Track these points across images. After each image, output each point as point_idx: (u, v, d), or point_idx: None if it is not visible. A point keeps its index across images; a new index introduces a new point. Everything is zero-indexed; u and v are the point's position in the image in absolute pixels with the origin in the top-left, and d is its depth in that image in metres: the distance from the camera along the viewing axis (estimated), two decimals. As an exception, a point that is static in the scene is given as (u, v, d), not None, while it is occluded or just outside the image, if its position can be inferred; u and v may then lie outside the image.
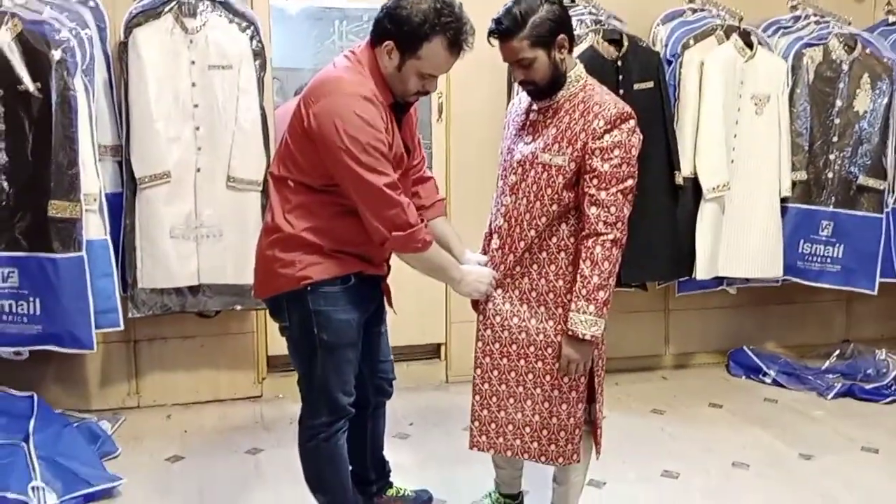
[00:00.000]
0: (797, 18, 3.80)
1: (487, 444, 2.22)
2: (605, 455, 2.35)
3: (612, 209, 2.01)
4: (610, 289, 2.04)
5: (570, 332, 2.04)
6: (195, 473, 2.88)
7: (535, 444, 2.18)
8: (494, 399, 2.19)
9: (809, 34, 3.69)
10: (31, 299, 2.86)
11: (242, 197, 3.15)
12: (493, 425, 2.20)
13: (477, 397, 2.22)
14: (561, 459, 2.18)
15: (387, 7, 1.98)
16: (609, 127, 2.01)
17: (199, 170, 3.11)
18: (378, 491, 2.54)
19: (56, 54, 2.77)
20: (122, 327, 3.06)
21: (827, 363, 3.98)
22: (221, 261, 3.13)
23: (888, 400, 3.62)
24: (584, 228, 2.03)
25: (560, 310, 2.10)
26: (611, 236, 2.01)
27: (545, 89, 2.08)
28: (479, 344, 2.20)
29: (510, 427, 2.19)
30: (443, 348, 3.80)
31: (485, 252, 2.31)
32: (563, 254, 2.10)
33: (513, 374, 2.17)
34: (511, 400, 2.18)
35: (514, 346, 2.16)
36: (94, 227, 2.92)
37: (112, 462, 2.91)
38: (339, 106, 1.93)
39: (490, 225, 2.28)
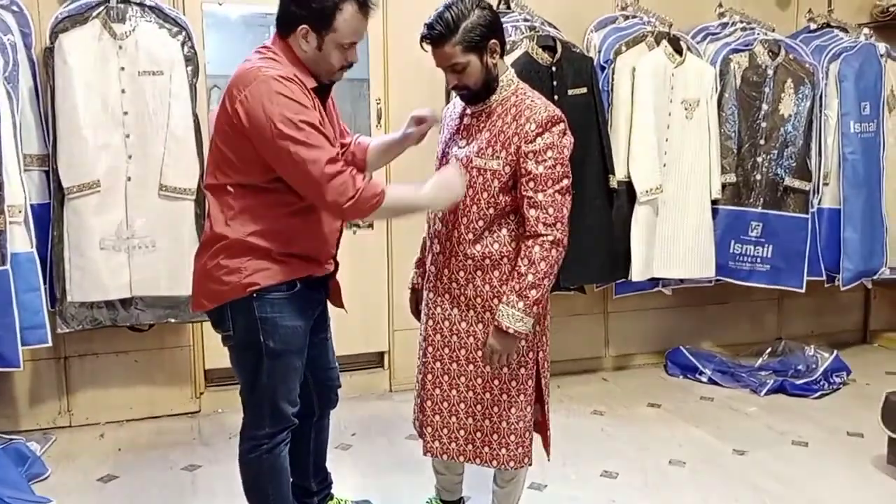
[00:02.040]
0: (724, 25, 3.92)
1: (441, 449, 2.22)
2: (546, 458, 2.38)
3: (551, 210, 2.04)
4: (543, 289, 2.06)
5: (495, 324, 2.06)
6: (129, 493, 2.80)
7: (486, 449, 2.19)
8: (446, 404, 2.20)
9: (736, 40, 3.81)
10: (-46, 317, 2.75)
11: (175, 205, 3.08)
12: (445, 430, 2.21)
13: (428, 402, 2.21)
14: (512, 463, 2.20)
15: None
16: (541, 130, 2.04)
17: (129, 178, 3.03)
18: (319, 503, 2.50)
19: (-25, 60, 2.68)
20: (50, 343, 2.95)
21: (760, 360, 4.11)
22: (154, 272, 3.05)
23: (817, 394, 3.76)
24: (525, 230, 2.06)
25: (485, 310, 2.14)
26: (550, 237, 2.04)
27: (478, 94, 2.10)
28: (430, 349, 2.20)
29: (462, 432, 2.20)
30: (386, 357, 3.78)
31: (422, 259, 2.33)
32: (505, 259, 2.11)
33: (462, 378, 2.18)
34: (462, 405, 2.19)
35: (463, 351, 2.17)
36: (20, 240, 2.82)
37: (41, 484, 2.81)
38: (262, 91, 1.89)
39: (429, 229, 2.28)
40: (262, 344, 2.05)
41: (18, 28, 2.94)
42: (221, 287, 2.03)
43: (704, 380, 3.95)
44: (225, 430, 3.27)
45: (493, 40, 2.05)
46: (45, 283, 2.92)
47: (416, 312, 2.39)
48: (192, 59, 3.08)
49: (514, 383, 2.16)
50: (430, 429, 2.22)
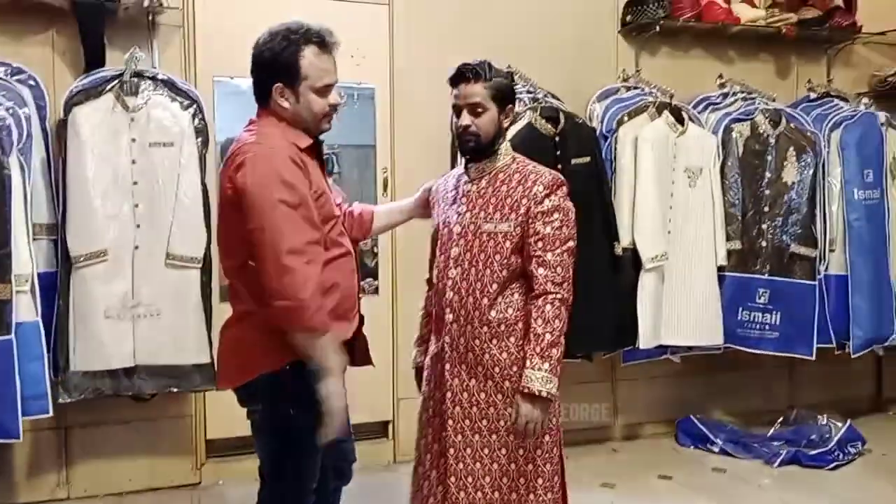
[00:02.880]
0: (725, 95, 3.99)
1: None
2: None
3: (559, 269, 2.10)
4: (562, 347, 2.08)
5: (525, 390, 2.04)
6: (126, 568, 2.73)
7: None
8: (470, 479, 2.14)
9: (737, 110, 3.87)
10: (-44, 387, 2.73)
11: (182, 274, 3.09)
12: None
13: (452, 479, 2.14)
14: None
15: (253, 64, 2.03)
16: (548, 192, 2.12)
17: (137, 247, 3.05)
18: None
19: (-9, 134, 2.73)
20: (51, 414, 2.92)
21: (772, 430, 4.03)
22: (158, 341, 3.05)
23: (831, 465, 3.66)
24: (533, 289, 2.10)
25: (510, 378, 2.12)
26: (559, 295, 2.08)
27: (483, 148, 2.15)
28: (449, 422, 2.15)
29: None
30: (390, 426, 3.72)
31: (423, 337, 2.34)
32: (520, 324, 2.12)
33: (486, 450, 2.14)
34: (487, 479, 2.14)
35: (485, 422, 2.14)
36: (25, 309, 2.82)
37: (37, 559, 2.74)
38: (261, 163, 1.89)
39: (434, 302, 2.27)
40: (292, 420, 1.97)
41: (34, 101, 3.01)
42: (252, 361, 1.98)
43: (716, 450, 3.87)
44: (226, 503, 3.20)
45: (510, 105, 2.18)
46: (48, 353, 2.91)
47: (418, 377, 2.38)
48: (202, 131, 3.14)
49: (539, 452, 2.13)
50: None
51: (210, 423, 3.43)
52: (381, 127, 3.69)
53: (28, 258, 2.83)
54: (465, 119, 2.12)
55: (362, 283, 3.92)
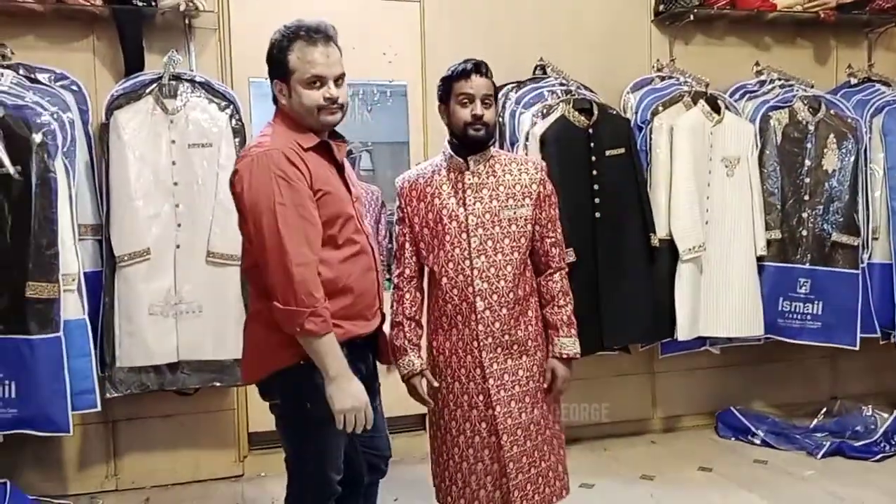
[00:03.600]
0: (762, 83, 3.93)
1: None
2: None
3: (563, 246, 2.38)
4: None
5: (564, 355, 2.31)
6: (173, 558, 2.80)
7: (558, 483, 2.32)
8: (525, 459, 2.26)
9: (775, 97, 3.80)
10: (7, 382, 2.82)
11: (222, 272, 3.15)
12: (529, 486, 2.26)
13: (511, 464, 2.24)
14: (564, 491, 2.34)
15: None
16: (546, 177, 2.34)
17: (178, 246, 3.12)
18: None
19: (37, 137, 2.82)
20: (99, 408, 3.00)
21: (815, 421, 3.97)
22: (201, 337, 3.12)
23: (878, 457, 3.59)
24: (550, 266, 2.33)
25: (539, 348, 2.31)
26: (566, 270, 2.37)
27: (489, 138, 2.26)
28: (498, 408, 2.23)
29: (539, 479, 2.28)
30: (426, 418, 3.74)
31: (416, 343, 2.33)
32: (532, 298, 2.32)
33: (532, 426, 2.27)
34: (536, 452, 2.28)
35: (528, 398, 2.27)
36: (73, 307, 2.91)
37: (88, 548, 2.84)
38: (256, 167, 1.93)
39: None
40: (309, 412, 2.01)
41: (77, 106, 3.10)
42: (269, 357, 2.02)
43: (757, 441, 3.82)
44: (268, 495, 3.27)
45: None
46: (95, 349, 3.00)
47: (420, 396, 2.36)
48: (239, 131, 3.20)
49: (551, 417, 2.34)
50: (517, 491, 2.24)
51: (252, 417, 3.50)
52: (414, 123, 3.72)
53: (74, 258, 2.91)
54: (480, 109, 2.21)
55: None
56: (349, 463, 2.16)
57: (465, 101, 2.20)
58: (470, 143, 2.24)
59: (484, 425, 2.25)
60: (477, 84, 2.20)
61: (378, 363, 2.28)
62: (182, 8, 3.18)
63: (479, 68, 2.22)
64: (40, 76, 3.10)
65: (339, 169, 2.11)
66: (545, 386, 2.32)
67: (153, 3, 3.16)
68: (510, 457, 2.23)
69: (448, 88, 2.24)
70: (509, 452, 2.23)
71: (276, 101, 2.08)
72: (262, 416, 3.46)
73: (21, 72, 3.06)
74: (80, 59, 3.26)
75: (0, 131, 2.81)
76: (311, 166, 1.99)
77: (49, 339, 2.81)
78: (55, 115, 2.92)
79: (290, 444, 2.13)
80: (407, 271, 2.35)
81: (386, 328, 2.28)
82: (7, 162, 2.80)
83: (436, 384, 2.32)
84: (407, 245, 2.34)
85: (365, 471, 2.29)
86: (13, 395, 2.82)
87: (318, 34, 2.00)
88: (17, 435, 2.91)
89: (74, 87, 3.14)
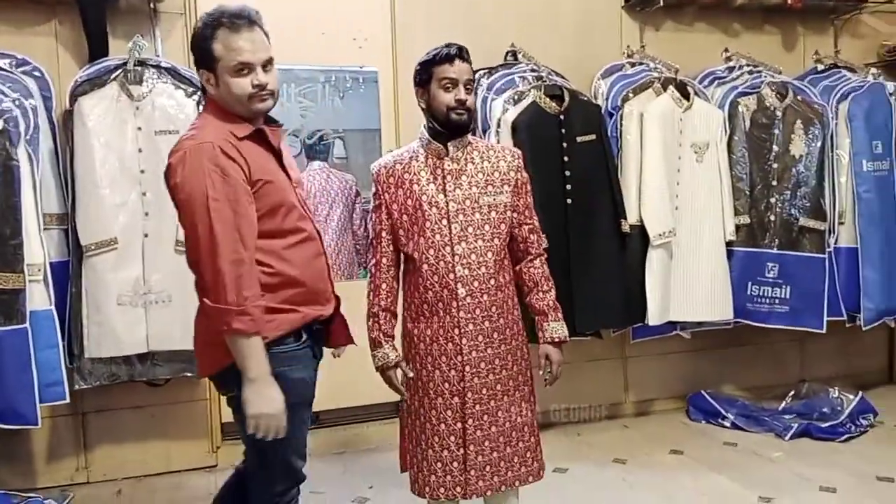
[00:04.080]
0: (731, 69, 3.96)
1: (485, 486, 2.28)
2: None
3: (540, 232, 2.37)
4: None
5: (556, 339, 2.34)
6: (145, 549, 2.78)
7: (523, 468, 2.31)
8: (487, 443, 2.26)
9: (743, 83, 3.84)
10: (-28, 375, 2.78)
11: (191, 261, 3.11)
12: (488, 468, 2.27)
13: (471, 447, 2.24)
14: (531, 477, 2.34)
15: None
16: (522, 164, 2.34)
17: (146, 235, 3.08)
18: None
19: (-2, 124, 2.76)
20: (67, 400, 2.95)
21: (783, 404, 4.03)
22: (170, 327, 3.07)
23: (843, 438, 3.67)
24: (529, 252, 2.34)
25: (515, 336, 2.30)
26: (545, 256, 2.38)
27: (468, 122, 2.24)
28: (470, 395, 2.23)
29: (502, 463, 2.28)
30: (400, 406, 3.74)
31: (390, 334, 2.33)
32: (511, 286, 2.32)
33: (500, 412, 2.27)
34: (501, 438, 2.28)
35: (499, 386, 2.27)
36: (39, 298, 2.86)
37: (58, 542, 2.80)
38: (188, 160, 1.88)
39: (433, 283, 2.25)
40: None
41: (40, 92, 3.03)
42: (222, 350, 1.92)
43: (727, 424, 3.88)
44: (241, 485, 3.25)
45: None
46: (63, 340, 2.96)
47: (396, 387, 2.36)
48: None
49: (524, 404, 2.32)
50: (473, 471, 2.25)
51: (225, 407, 3.45)
52: (386, 110, 3.70)
53: (39, 248, 2.86)
54: (463, 93, 2.19)
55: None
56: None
57: (449, 85, 2.18)
58: (453, 127, 2.22)
59: (451, 413, 2.24)
60: (460, 68, 2.19)
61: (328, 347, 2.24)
62: (147, -8, 3.13)
63: (462, 53, 2.21)
64: (1, 62, 3.02)
65: (277, 155, 2.05)
66: (525, 373, 2.33)
67: (118, -12, 3.10)
68: (472, 440, 2.24)
69: (429, 72, 2.21)
70: (472, 436, 2.24)
71: (204, 91, 2.03)
72: (234, 406, 3.48)
73: (-20, 58, 2.99)
74: (42, 44, 3.19)
75: (-41, 119, 2.75)
76: (248, 156, 1.93)
77: (15, 331, 2.76)
78: (17, 102, 2.86)
79: (250, 437, 2.02)
80: (384, 260, 2.31)
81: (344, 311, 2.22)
82: (-33, 150, 2.74)
83: (411, 374, 2.30)
84: (384, 233, 2.31)
85: (280, 477, 2.15)
86: (-23, 389, 2.77)
87: (240, 20, 1.95)
88: (-17, 429, 2.87)
89: (37, 73, 3.06)
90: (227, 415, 3.43)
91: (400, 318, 2.38)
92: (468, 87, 2.20)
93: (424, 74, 2.23)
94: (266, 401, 1.90)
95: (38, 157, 2.90)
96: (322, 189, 4.09)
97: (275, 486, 2.08)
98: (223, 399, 3.39)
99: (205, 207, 1.85)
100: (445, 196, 2.22)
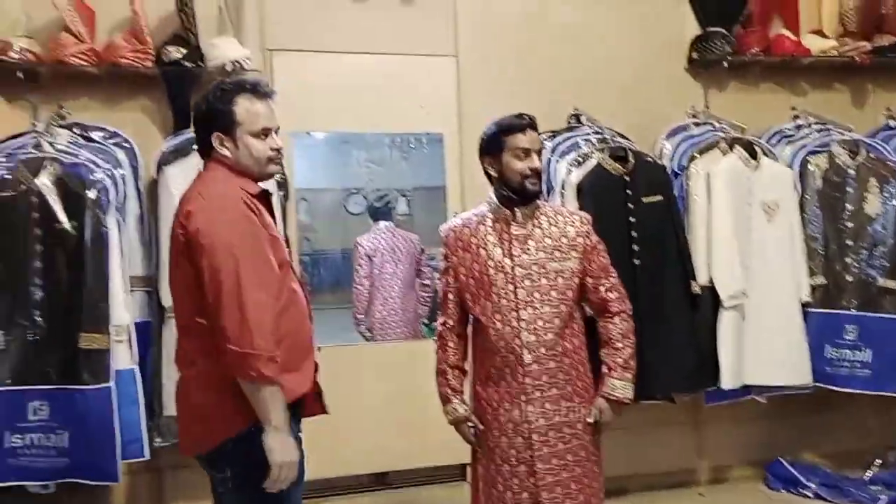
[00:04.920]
0: (799, 127, 3.91)
1: None
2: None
3: (622, 289, 2.36)
4: (635, 361, 2.33)
5: (611, 397, 2.27)
6: None
7: None
8: None
9: (813, 142, 3.79)
10: (60, 432, 2.89)
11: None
12: None
13: None
14: None
15: (193, 119, 2.10)
16: (591, 228, 2.35)
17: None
18: None
19: (91, 194, 2.94)
20: (147, 457, 3.04)
21: (869, 473, 3.83)
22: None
23: (937, 510, 3.46)
24: (606, 311, 2.32)
25: (585, 404, 2.27)
26: (629, 311, 2.34)
27: (540, 189, 2.29)
28: (539, 465, 2.20)
29: None
30: (468, 469, 3.71)
31: (458, 389, 2.35)
32: (582, 352, 2.31)
33: (573, 484, 2.23)
34: None
35: (570, 456, 2.23)
36: (123, 357, 2.98)
37: None
38: (212, 207, 1.89)
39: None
40: (265, 483, 1.87)
41: (128, 161, 3.22)
42: (219, 424, 1.89)
43: (809, 494, 3.71)
44: (310, 546, 3.26)
45: None
46: (143, 398, 3.05)
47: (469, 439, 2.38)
48: (283, 184, 3.30)
49: (593, 473, 2.29)
50: None
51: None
52: (451, 169, 3.78)
53: (124, 310, 2.99)
54: (536, 162, 2.25)
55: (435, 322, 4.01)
56: None
57: (522, 154, 2.24)
58: (528, 195, 2.27)
59: (531, 480, 2.22)
60: (532, 138, 2.26)
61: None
62: (228, 68, 3.30)
63: (534, 122, 2.28)
64: (94, 134, 3.23)
65: (273, 219, 2.09)
66: (587, 435, 2.29)
67: (200, 64, 3.30)
68: None
69: (500, 142, 2.26)
70: None
71: (205, 152, 2.05)
72: (310, 463, 3.51)
73: (76, 130, 3.21)
74: (131, 118, 3.40)
75: (57, 189, 2.94)
76: (260, 212, 1.98)
77: (101, 389, 2.89)
78: (108, 172, 3.05)
79: None
80: (450, 321, 2.36)
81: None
82: (63, 218, 2.92)
83: (481, 427, 2.33)
84: (451, 295, 2.35)
85: None
86: (66, 444, 2.89)
87: (264, 88, 2.05)
88: (67, 483, 2.96)
89: (126, 145, 3.26)
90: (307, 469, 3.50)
91: (469, 380, 2.39)
92: (539, 155, 2.25)
93: (496, 144, 2.27)
94: (290, 450, 1.88)
95: (126, 223, 3.07)
96: (388, 248, 4.19)
97: None
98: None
99: (230, 252, 1.84)
100: (512, 261, 2.24)
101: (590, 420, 2.28)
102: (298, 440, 2.00)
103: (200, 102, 2.07)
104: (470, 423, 2.34)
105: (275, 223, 2.07)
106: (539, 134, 2.29)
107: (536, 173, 2.24)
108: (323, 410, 2.19)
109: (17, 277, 2.90)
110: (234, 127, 1.99)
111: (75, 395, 2.88)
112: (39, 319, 2.91)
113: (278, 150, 2.05)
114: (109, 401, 2.89)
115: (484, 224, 2.31)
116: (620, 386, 2.28)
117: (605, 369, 2.31)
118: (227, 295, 1.82)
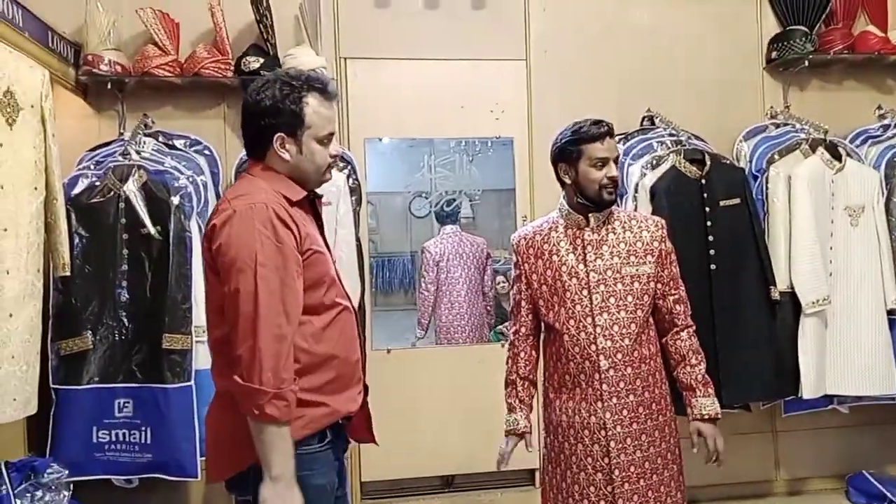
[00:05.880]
0: (886, 127, 3.76)
1: None
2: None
3: (688, 304, 2.31)
4: None
5: (706, 417, 2.25)
6: None
7: None
8: None
9: (900, 142, 3.63)
10: (143, 428, 3.01)
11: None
12: None
13: None
14: None
15: (247, 113, 1.86)
16: (666, 235, 2.31)
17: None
18: None
19: (175, 200, 3.06)
20: (224, 454, 3.14)
21: (960, 488, 3.65)
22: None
23: None
24: (675, 324, 2.28)
25: (662, 411, 2.24)
26: (694, 327, 2.31)
27: (615, 196, 2.25)
28: (617, 472, 2.18)
29: None
30: (537, 474, 3.70)
31: (526, 400, 2.34)
32: (658, 358, 2.27)
33: (650, 493, 2.20)
34: None
35: (647, 464, 2.19)
36: (203, 357, 3.05)
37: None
38: (240, 220, 1.71)
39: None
40: None
41: (209, 168, 3.33)
42: (241, 450, 1.72)
43: (894, 509, 3.56)
44: (381, 546, 3.31)
45: None
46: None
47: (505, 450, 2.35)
48: (355, 190, 3.35)
49: (673, 483, 2.24)
50: None
51: (365, 466, 3.56)
52: (521, 175, 3.77)
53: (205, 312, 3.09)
54: (614, 171, 2.22)
55: (501, 325, 3.99)
56: None
57: (599, 164, 2.21)
58: (605, 204, 2.25)
59: (609, 488, 2.20)
60: (610, 146, 2.23)
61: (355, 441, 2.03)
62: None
63: (611, 130, 2.24)
64: (177, 142, 3.36)
65: (320, 226, 1.94)
66: (674, 451, 2.27)
67: (278, 73, 3.37)
68: None
69: (578, 150, 2.22)
70: None
71: (256, 151, 1.87)
72: (375, 466, 3.57)
73: (160, 139, 3.34)
74: (212, 126, 3.51)
75: (143, 194, 3.06)
76: (300, 224, 1.79)
77: (182, 388, 2.99)
78: (191, 179, 3.16)
79: None
80: (523, 329, 2.36)
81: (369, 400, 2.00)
82: (149, 223, 3.04)
83: (531, 450, 2.33)
84: (523, 303, 2.34)
85: None
86: (148, 441, 3.00)
87: (333, 89, 1.88)
88: (149, 478, 3.08)
89: (207, 152, 3.37)
90: (367, 473, 3.56)
91: (541, 387, 2.38)
92: (616, 163, 2.22)
93: (572, 151, 2.23)
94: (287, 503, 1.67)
95: (207, 228, 3.17)
96: (455, 252, 4.20)
97: None
98: (364, 458, 3.54)
99: (251, 272, 1.67)
100: (586, 266, 2.22)
101: (695, 451, 2.28)
102: (341, 463, 1.90)
103: (263, 97, 1.81)
104: (524, 441, 2.33)
105: (322, 230, 1.93)
106: (615, 141, 2.26)
107: (614, 182, 2.22)
108: (371, 439, 2.02)
109: (106, 280, 3.04)
110: (301, 129, 1.82)
111: (158, 393, 2.99)
112: (126, 320, 3.04)
113: (336, 157, 1.91)
114: (190, 399, 2.99)
115: (556, 230, 2.30)
116: (709, 403, 2.27)
117: (685, 389, 2.28)
118: (243, 319, 1.67)
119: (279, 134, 1.82)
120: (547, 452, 2.32)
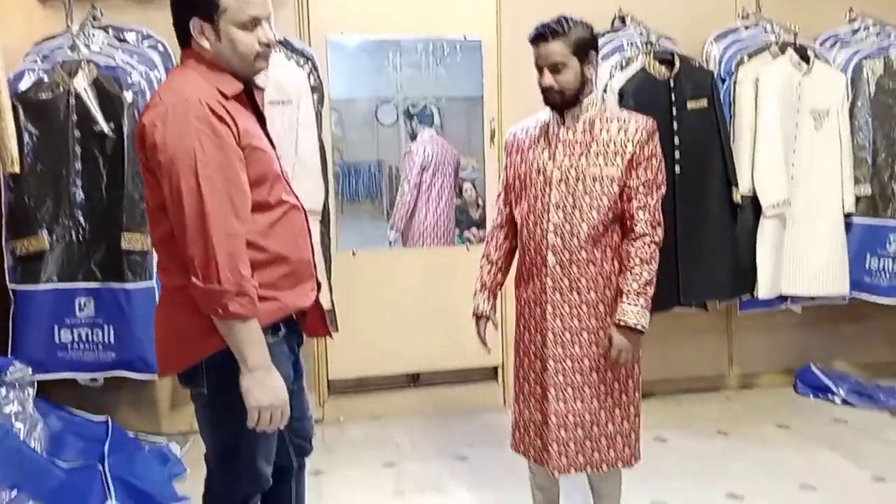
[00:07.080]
0: (856, 31, 3.73)
1: (568, 464, 2.23)
2: (668, 476, 2.35)
3: (656, 213, 2.19)
4: (653, 287, 2.18)
5: (621, 323, 2.15)
6: (260, 495, 2.95)
7: (612, 452, 2.25)
8: (570, 417, 2.22)
9: (869, 46, 3.61)
10: (106, 327, 3.02)
11: (302, 226, 3.23)
12: (571, 444, 2.23)
13: (553, 418, 2.22)
14: (620, 462, 2.27)
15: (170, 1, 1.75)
16: (647, 138, 2.18)
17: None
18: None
19: (128, 96, 2.95)
20: (190, 353, 3.16)
21: (902, 381, 3.84)
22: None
23: (968, 420, 3.47)
24: (631, 231, 2.18)
25: (610, 314, 2.20)
26: (655, 238, 2.18)
27: (568, 101, 2.16)
28: (550, 363, 2.21)
29: (587, 442, 2.23)
30: (499, 371, 3.81)
31: (489, 285, 2.39)
32: (614, 262, 2.19)
33: (585, 388, 2.21)
34: (586, 415, 2.22)
35: (587, 360, 2.21)
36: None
37: (180, 483, 3.00)
38: (174, 118, 1.62)
39: (529, 247, 2.26)
40: (242, 402, 1.70)
41: (162, 64, 3.18)
42: (196, 342, 1.70)
43: (838, 401, 3.74)
44: (347, 438, 3.41)
45: (594, 52, 2.18)
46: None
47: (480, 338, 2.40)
48: (317, 88, 3.25)
49: (630, 383, 2.26)
50: (555, 445, 2.22)
51: (332, 363, 3.63)
52: (489, 79, 3.69)
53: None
54: (547, 79, 2.14)
55: (467, 232, 4.01)
56: (278, 452, 1.91)
57: (539, 68, 2.16)
58: (551, 108, 2.21)
59: (544, 375, 2.24)
60: (543, 52, 2.13)
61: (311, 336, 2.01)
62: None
63: (543, 34, 2.13)
64: (128, 36, 3.20)
65: (261, 120, 1.84)
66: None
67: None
68: (554, 411, 2.21)
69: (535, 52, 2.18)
70: (553, 407, 2.21)
71: (183, 40, 1.74)
72: (341, 364, 3.63)
73: (111, 32, 3.17)
74: (163, 18, 3.30)
75: (94, 90, 2.95)
76: (237, 119, 1.69)
77: (143, 288, 2.98)
78: (144, 74, 3.04)
79: (217, 438, 1.84)
80: (499, 219, 2.40)
81: (323, 299, 1.98)
82: (101, 120, 2.94)
83: (494, 330, 2.39)
84: (502, 194, 2.38)
85: (294, 455, 2.04)
86: (111, 340, 3.02)
87: None
88: (115, 377, 3.11)
89: (160, 48, 3.22)
90: (334, 371, 3.63)
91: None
92: (557, 67, 2.12)
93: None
94: (270, 391, 1.69)
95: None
96: (437, 157, 4.15)
97: (240, 493, 1.85)
98: (330, 356, 3.59)
99: (192, 172, 1.60)
100: (553, 164, 2.21)
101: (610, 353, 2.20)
102: (296, 358, 1.91)
103: None
104: (489, 320, 2.38)
105: (264, 125, 1.83)
106: (561, 41, 2.09)
107: (548, 89, 2.15)
108: (327, 332, 2.02)
109: (59, 179, 2.96)
110: (216, 14, 1.67)
111: (119, 293, 2.99)
112: (82, 220, 2.98)
113: (268, 45, 1.73)
114: (153, 298, 2.97)
115: (539, 127, 2.28)
116: (631, 311, 2.13)
117: (618, 294, 2.18)
118: (190, 221, 1.61)
119: (195, 19, 1.69)
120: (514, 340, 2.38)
